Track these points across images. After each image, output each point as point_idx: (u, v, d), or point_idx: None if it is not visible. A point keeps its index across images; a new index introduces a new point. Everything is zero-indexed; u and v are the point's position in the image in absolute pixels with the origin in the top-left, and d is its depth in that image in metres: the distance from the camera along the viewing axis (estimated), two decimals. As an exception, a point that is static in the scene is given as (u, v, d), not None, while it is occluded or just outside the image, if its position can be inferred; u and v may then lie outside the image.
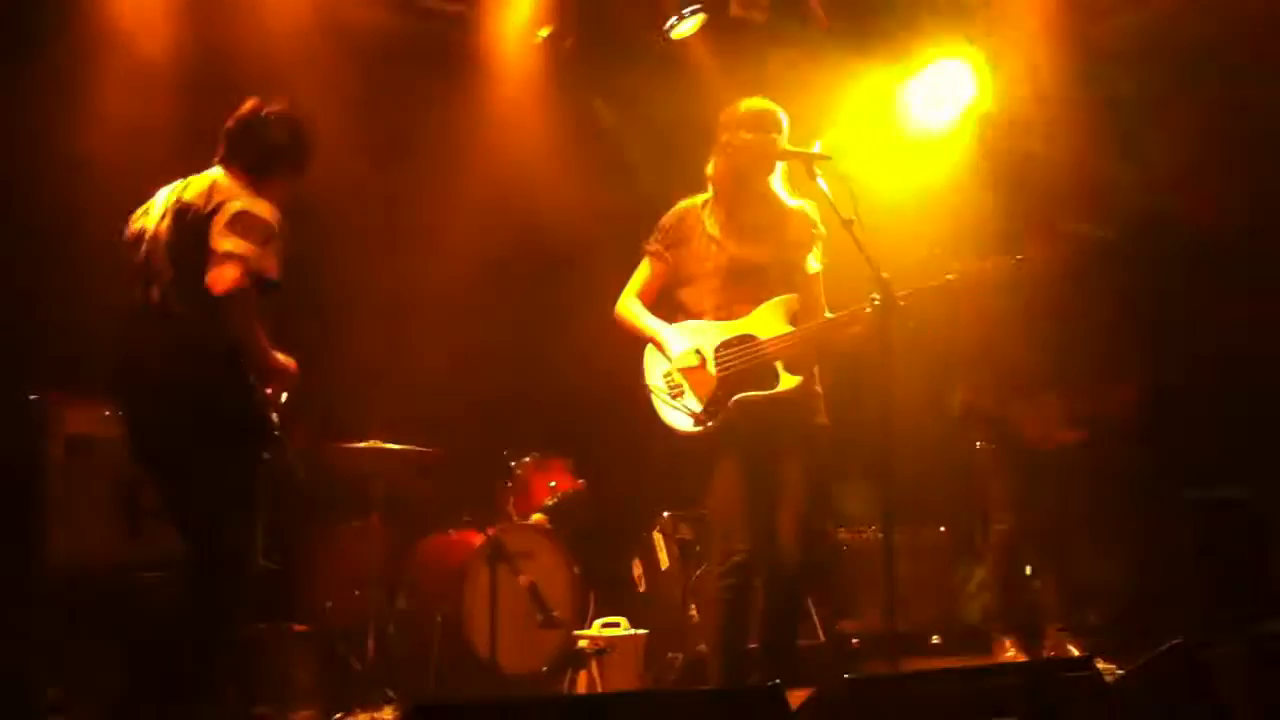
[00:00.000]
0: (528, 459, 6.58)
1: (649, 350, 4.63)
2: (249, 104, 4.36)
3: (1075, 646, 6.18)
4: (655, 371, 4.59)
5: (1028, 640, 6.26)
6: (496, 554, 5.71)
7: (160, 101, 5.33)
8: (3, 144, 5.36)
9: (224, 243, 3.99)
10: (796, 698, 3.00)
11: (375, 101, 6.61)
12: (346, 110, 6.49)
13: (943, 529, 7.21)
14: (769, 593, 4.56)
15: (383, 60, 6.64)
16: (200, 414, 4.06)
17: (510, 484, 6.52)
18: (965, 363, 6.44)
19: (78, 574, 5.00)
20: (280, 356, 4.25)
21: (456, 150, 7.01)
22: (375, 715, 5.09)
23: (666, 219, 4.73)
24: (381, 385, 6.55)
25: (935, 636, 6.98)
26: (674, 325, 4.61)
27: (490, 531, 5.85)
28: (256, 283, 4.03)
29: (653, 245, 4.72)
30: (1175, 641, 3.64)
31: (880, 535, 6.84)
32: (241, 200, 4.10)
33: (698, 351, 4.50)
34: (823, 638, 6.47)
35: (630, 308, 4.70)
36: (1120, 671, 4.06)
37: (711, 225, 4.62)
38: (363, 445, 5.82)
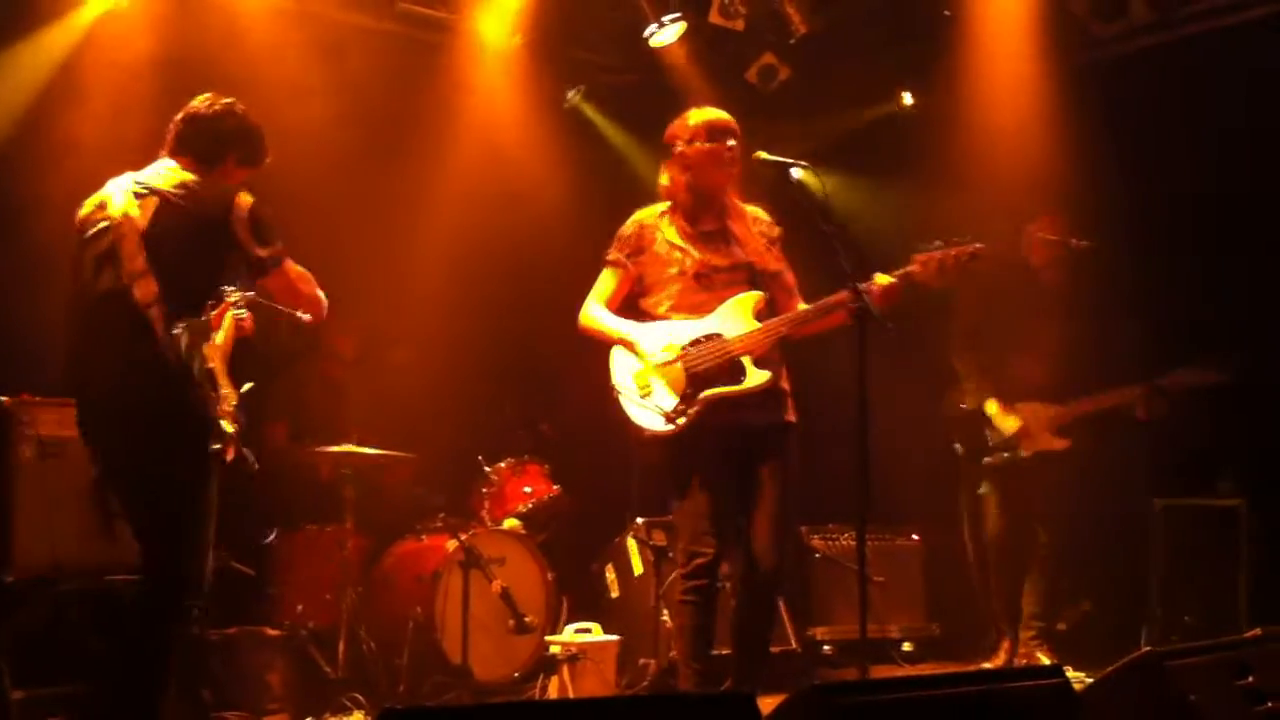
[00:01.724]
0: (503, 464, 6.57)
1: (615, 351, 4.65)
2: (196, 100, 4.35)
3: (1045, 654, 6.21)
4: (624, 372, 4.60)
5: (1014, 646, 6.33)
6: (470, 559, 5.70)
7: (136, 109, 5.29)
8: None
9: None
10: (768, 704, 3.00)
11: (354, 105, 6.59)
12: (324, 113, 6.49)
13: (915, 536, 7.24)
14: (741, 594, 4.57)
15: (364, 63, 6.63)
16: (145, 400, 4.00)
17: (485, 489, 6.51)
18: (952, 365, 6.51)
19: (48, 576, 4.97)
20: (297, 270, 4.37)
21: (434, 154, 7.01)
22: (345, 720, 5.07)
23: (625, 228, 4.75)
24: (356, 389, 6.55)
25: (907, 644, 7.01)
26: (642, 324, 4.64)
27: (464, 536, 5.84)
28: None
29: (613, 255, 4.73)
30: (1145, 650, 3.65)
31: (853, 541, 6.88)
32: (250, 202, 4.15)
33: (668, 347, 4.51)
34: (795, 644, 6.49)
35: (595, 313, 4.71)
36: (1089, 680, 4.08)
37: (672, 234, 4.65)
38: (337, 449, 5.80)
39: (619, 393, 4.58)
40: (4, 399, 4.98)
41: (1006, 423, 6.32)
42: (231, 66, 6.18)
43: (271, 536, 5.95)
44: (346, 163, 6.61)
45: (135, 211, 4.09)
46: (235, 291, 4.16)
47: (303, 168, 6.45)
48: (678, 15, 6.90)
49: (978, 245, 4.44)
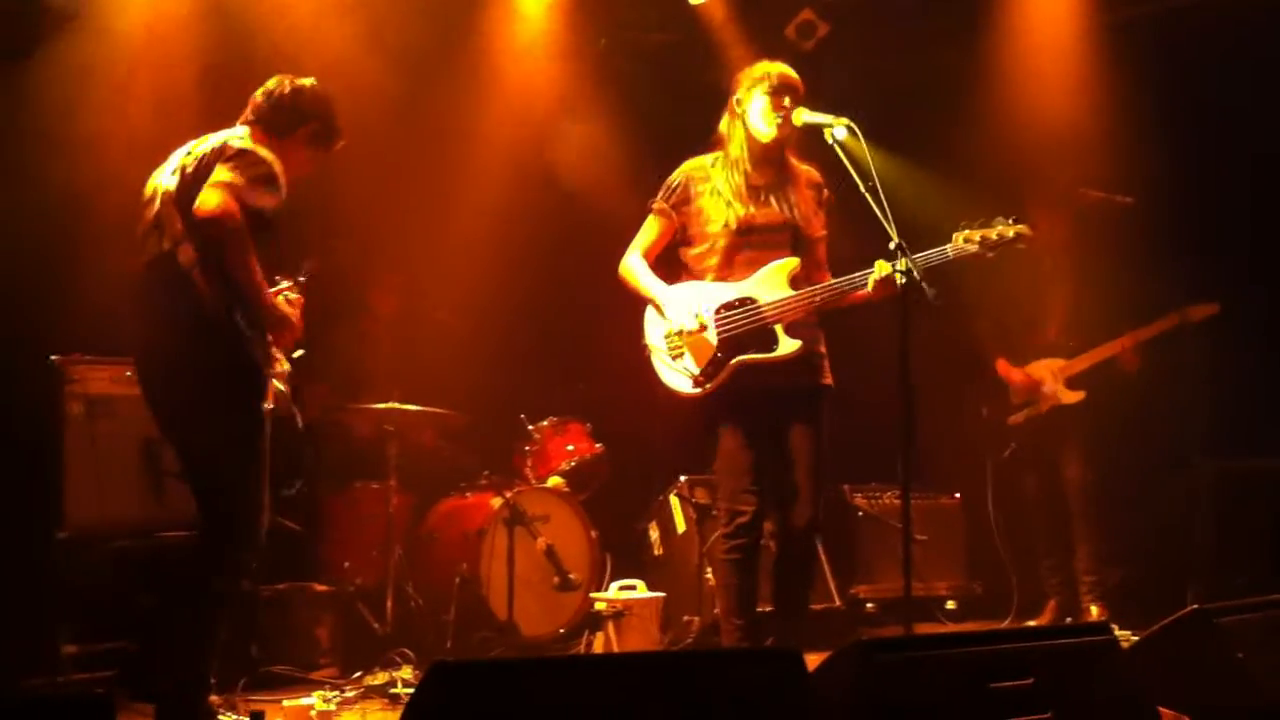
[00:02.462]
0: (546, 422, 6.60)
1: (650, 310, 4.65)
2: (277, 77, 4.41)
3: (1097, 608, 6.22)
4: (655, 332, 4.62)
5: (1068, 606, 6.34)
6: (514, 517, 5.74)
7: (184, 81, 5.33)
8: (30, 118, 5.38)
9: (216, 175, 4.02)
10: (812, 661, 3.02)
11: (395, 66, 6.60)
12: (366, 74, 6.50)
13: (957, 495, 7.23)
14: (778, 553, 4.60)
15: (405, 24, 6.63)
16: (197, 358, 4.07)
17: (529, 447, 6.54)
18: (976, 324, 6.51)
19: (99, 533, 5.04)
20: (280, 304, 4.24)
21: (479, 112, 7.01)
22: (394, 675, 5.12)
23: (674, 177, 4.73)
24: (401, 347, 6.58)
25: (950, 602, 7.02)
26: (674, 286, 4.63)
27: (508, 494, 5.88)
28: (248, 216, 4.01)
29: (659, 204, 4.71)
30: (1193, 607, 3.65)
31: (896, 500, 6.88)
32: (246, 143, 4.17)
33: (697, 315, 4.51)
34: (838, 602, 6.51)
35: (633, 267, 4.70)
36: (1135, 637, 4.08)
37: (722, 185, 4.62)
38: (382, 406, 5.84)
39: (650, 351, 4.61)
40: (54, 357, 5.04)
41: (1014, 378, 6.36)
42: (275, 34, 6.23)
43: (296, 488, 5.95)
44: (386, 123, 6.61)
45: (171, 179, 4.18)
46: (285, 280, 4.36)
47: (345, 128, 6.50)
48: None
49: (1021, 228, 4.44)
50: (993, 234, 4.43)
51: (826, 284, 4.56)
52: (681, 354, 4.52)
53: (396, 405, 5.85)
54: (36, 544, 4.94)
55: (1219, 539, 6.36)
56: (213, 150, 4.16)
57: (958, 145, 7.20)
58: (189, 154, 4.21)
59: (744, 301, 4.52)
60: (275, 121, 4.32)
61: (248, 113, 4.35)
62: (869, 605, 6.84)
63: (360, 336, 6.65)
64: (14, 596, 4.87)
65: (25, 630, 4.82)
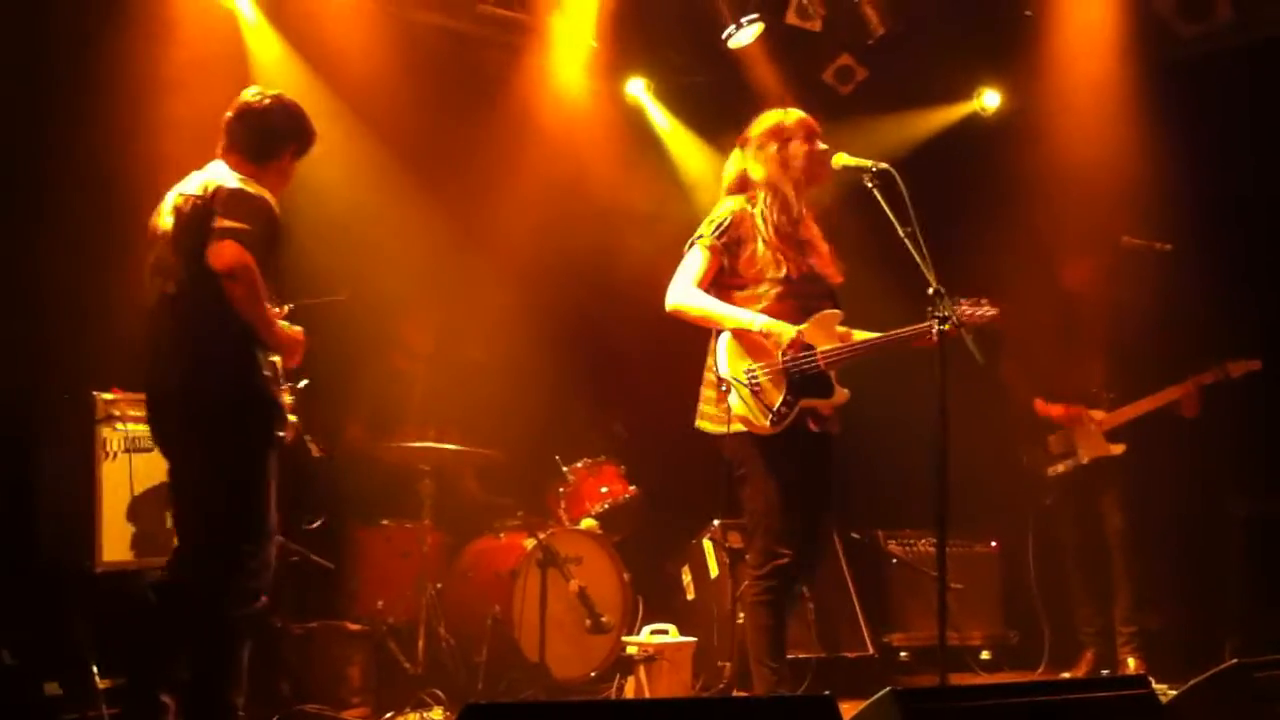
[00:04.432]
0: (580, 464, 6.61)
1: (725, 340, 4.57)
2: (244, 94, 4.49)
3: (1135, 660, 6.15)
4: (737, 364, 4.55)
5: (1104, 657, 6.28)
6: (547, 558, 5.73)
7: (222, 105, 5.39)
8: (78, 153, 5.47)
9: (221, 222, 4.14)
10: (846, 710, 2.99)
11: (432, 104, 6.68)
12: (403, 112, 6.58)
13: (994, 543, 7.17)
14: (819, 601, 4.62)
15: (442, 63, 6.71)
16: (207, 396, 4.20)
17: (562, 488, 6.54)
18: (1003, 367, 6.49)
19: (133, 568, 5.05)
20: (287, 328, 4.37)
21: (510, 154, 7.06)
22: (425, 715, 5.11)
23: (722, 215, 4.66)
24: (436, 385, 6.60)
25: (985, 652, 6.95)
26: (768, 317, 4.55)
27: (541, 535, 5.87)
28: (257, 257, 4.15)
29: (709, 239, 4.63)
30: (1233, 661, 3.60)
31: (931, 548, 6.83)
32: (236, 181, 4.26)
33: (790, 344, 4.50)
34: (871, 650, 6.46)
35: (699, 297, 4.59)
36: (1171, 691, 4.03)
37: (769, 233, 4.60)
38: (417, 445, 5.85)
39: (729, 385, 4.54)
40: (95, 393, 5.08)
41: (1054, 413, 6.33)
42: (312, 66, 6.31)
43: (318, 524, 5.96)
44: (423, 161, 6.69)
45: (169, 220, 4.32)
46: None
47: (381, 165, 6.58)
48: (755, 16, 6.88)
49: (993, 311, 4.46)
50: (971, 316, 4.42)
51: (880, 337, 4.59)
52: (760, 389, 4.50)
53: (432, 444, 5.86)
54: (71, 579, 4.97)
55: (1253, 587, 6.29)
56: (205, 193, 4.25)
57: (992, 192, 7.21)
58: (181, 194, 4.33)
59: (806, 347, 4.53)
60: (255, 149, 4.41)
61: (224, 140, 4.43)
62: (903, 654, 6.77)
63: (396, 375, 6.68)
64: (49, 632, 4.89)
65: (60, 666, 4.83)
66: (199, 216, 4.20)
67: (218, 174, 4.32)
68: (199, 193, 4.26)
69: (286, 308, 4.52)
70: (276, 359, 4.36)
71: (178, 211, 4.29)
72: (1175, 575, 6.58)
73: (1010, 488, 6.82)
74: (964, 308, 4.40)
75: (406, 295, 6.68)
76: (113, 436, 5.02)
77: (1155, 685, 3.66)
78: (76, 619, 4.92)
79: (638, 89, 7.69)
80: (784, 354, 4.49)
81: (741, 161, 4.78)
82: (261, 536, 4.26)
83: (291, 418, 4.46)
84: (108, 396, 5.04)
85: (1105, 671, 6.26)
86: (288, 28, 6.36)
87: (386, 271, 6.44)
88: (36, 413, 5.21)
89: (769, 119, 4.72)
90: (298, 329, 4.43)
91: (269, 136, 4.42)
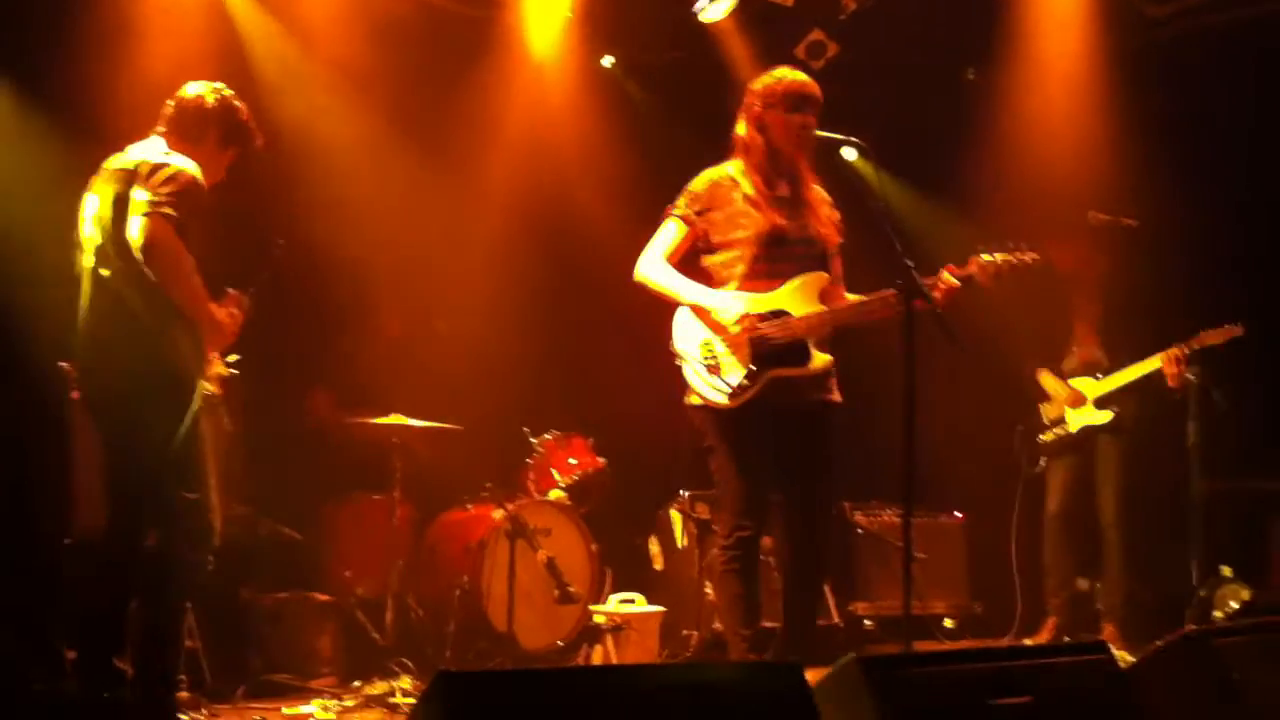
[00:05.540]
0: (549, 436, 6.62)
1: (682, 315, 4.56)
2: (187, 86, 4.53)
3: (1114, 628, 6.26)
4: (689, 339, 4.52)
5: (1067, 625, 6.38)
6: (516, 529, 5.76)
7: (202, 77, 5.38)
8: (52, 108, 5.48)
9: (139, 201, 4.16)
10: (811, 677, 3.03)
11: (402, 80, 6.66)
12: (374, 89, 6.57)
13: (959, 514, 7.26)
14: (789, 572, 4.60)
15: (412, 39, 6.69)
16: (128, 370, 4.24)
17: (531, 460, 6.56)
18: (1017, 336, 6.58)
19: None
20: (217, 310, 4.40)
21: (484, 124, 7.06)
22: (393, 685, 5.14)
23: (697, 184, 4.64)
24: (405, 360, 6.61)
25: (948, 620, 7.04)
26: (718, 292, 4.52)
27: (510, 507, 5.90)
28: (178, 228, 4.17)
29: (682, 210, 4.62)
30: (1190, 628, 3.67)
31: (897, 518, 6.91)
32: (162, 155, 4.29)
33: (743, 318, 4.44)
34: (837, 619, 6.53)
35: (661, 271, 4.59)
36: (1132, 658, 4.10)
37: (748, 188, 4.56)
38: (386, 421, 5.87)
39: (682, 358, 4.53)
40: (64, 364, 5.07)
41: (1058, 391, 6.41)
42: (285, 44, 6.29)
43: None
44: (394, 135, 6.68)
45: (94, 198, 4.36)
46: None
47: (352, 143, 6.57)
48: (727, -9, 6.89)
49: (1034, 255, 4.43)
50: (1010, 261, 4.40)
51: (862, 300, 4.50)
52: (716, 364, 4.46)
53: (400, 419, 5.87)
54: (43, 550, 4.98)
55: (1212, 559, 6.40)
56: (132, 167, 4.27)
57: (967, 171, 7.26)
58: (108, 170, 4.36)
59: (777, 314, 4.46)
60: (186, 129, 4.44)
61: (159, 124, 4.47)
62: (868, 623, 6.85)
63: (364, 350, 6.67)
64: (21, 602, 4.89)
65: (31, 636, 4.84)
66: (126, 190, 4.23)
67: (148, 148, 4.35)
68: (127, 166, 4.29)
69: (243, 293, 4.57)
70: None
71: (107, 184, 4.32)
72: (1145, 545, 6.68)
73: (977, 457, 6.90)
74: (1001, 253, 4.39)
75: (377, 270, 6.67)
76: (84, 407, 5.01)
77: (1117, 652, 3.73)
78: (47, 590, 4.93)
79: (610, 64, 7.69)
80: (740, 326, 4.43)
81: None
82: (200, 486, 4.31)
83: (210, 387, 4.49)
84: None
85: (1067, 639, 6.35)
86: (273, 7, 6.36)
87: (357, 243, 6.44)
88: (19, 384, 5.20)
89: (765, 79, 4.62)
90: (228, 313, 4.45)
91: (197, 119, 4.45)
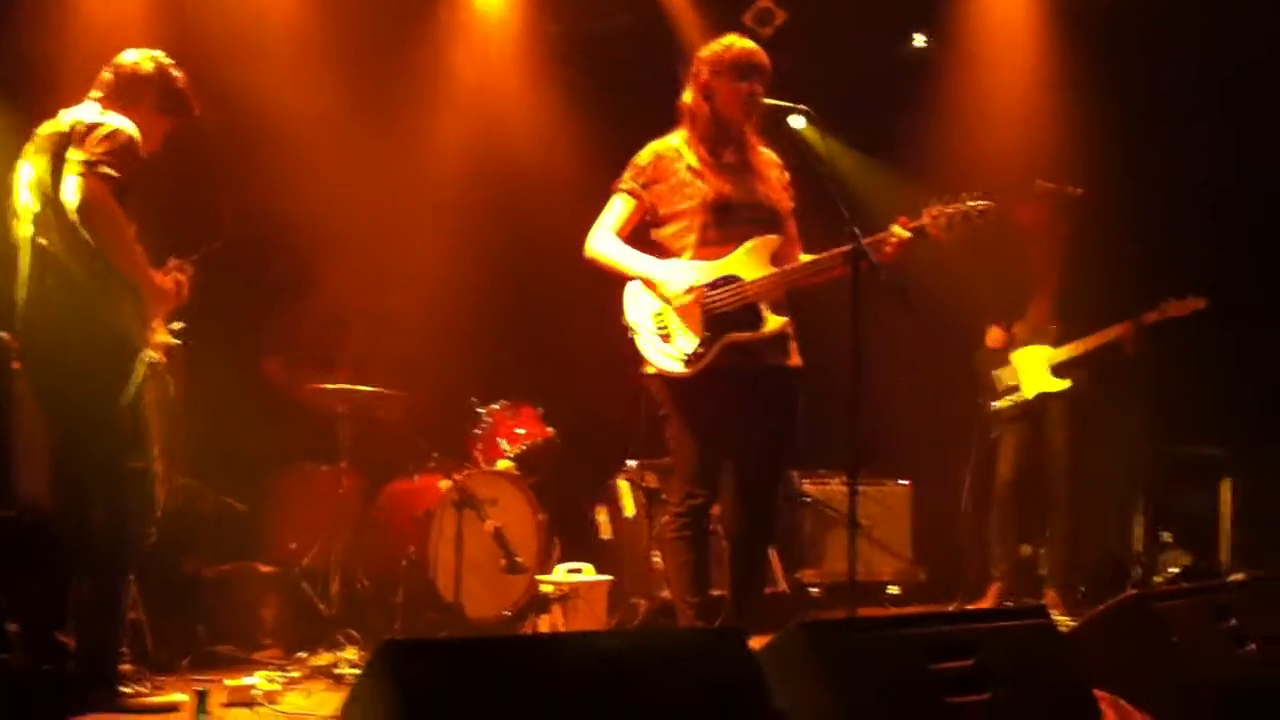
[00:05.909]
0: (497, 405, 6.60)
1: (631, 287, 4.55)
2: (125, 51, 4.48)
3: (1058, 593, 6.33)
4: (640, 310, 4.51)
5: (1011, 590, 6.44)
6: (463, 499, 5.73)
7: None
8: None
9: (72, 162, 4.11)
10: (757, 644, 3.05)
11: (355, 44, 6.59)
12: (327, 54, 6.50)
13: (905, 481, 7.31)
14: (736, 538, 4.61)
15: (364, 6, 6.62)
16: (70, 338, 4.19)
17: (479, 430, 6.54)
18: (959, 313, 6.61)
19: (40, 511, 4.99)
20: (157, 276, 4.36)
21: (434, 93, 7.00)
22: (339, 655, 5.11)
23: (642, 157, 4.63)
24: (353, 327, 6.56)
25: (894, 587, 7.10)
26: (664, 262, 4.51)
27: (457, 476, 5.88)
28: (113, 188, 4.11)
29: (628, 183, 4.61)
30: (1131, 592, 3.72)
31: (844, 486, 6.94)
32: (98, 115, 4.24)
33: (691, 289, 4.42)
34: (784, 586, 6.57)
35: (607, 245, 4.58)
36: (1074, 623, 4.15)
37: (692, 158, 4.54)
38: (332, 387, 5.82)
39: (633, 331, 4.51)
40: (4, 335, 4.99)
41: (1020, 364, 6.47)
42: (230, 16, 6.20)
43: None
44: (343, 107, 6.61)
45: (28, 164, 4.30)
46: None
47: (302, 113, 6.49)
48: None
49: (987, 202, 4.41)
50: (961, 210, 4.37)
51: (813, 259, 4.48)
52: (669, 333, 4.44)
53: (347, 386, 5.83)
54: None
55: (1155, 524, 6.50)
56: (66, 129, 4.22)
57: (914, 136, 7.28)
58: (42, 135, 4.30)
59: (728, 279, 4.43)
60: (121, 93, 4.38)
61: (95, 88, 4.41)
62: (814, 589, 6.90)
63: (318, 315, 6.61)
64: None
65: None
66: (62, 152, 4.16)
67: (83, 110, 4.29)
68: (62, 128, 4.23)
69: (187, 261, 4.53)
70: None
71: (42, 150, 4.25)
72: (1091, 512, 6.76)
73: (923, 423, 6.95)
74: (956, 202, 4.36)
75: (325, 238, 6.61)
76: (23, 377, 4.93)
77: (1058, 616, 3.78)
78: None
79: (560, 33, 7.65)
80: (690, 295, 4.40)
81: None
82: (145, 455, 4.28)
83: (155, 355, 4.44)
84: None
85: (1009, 604, 6.43)
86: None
87: (305, 210, 6.38)
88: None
89: (712, 47, 4.59)
90: (173, 279, 4.42)
91: (131, 83, 4.39)
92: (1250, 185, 6.64)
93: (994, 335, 6.64)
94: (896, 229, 4.36)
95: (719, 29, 6.07)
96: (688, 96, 4.63)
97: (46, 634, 4.19)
